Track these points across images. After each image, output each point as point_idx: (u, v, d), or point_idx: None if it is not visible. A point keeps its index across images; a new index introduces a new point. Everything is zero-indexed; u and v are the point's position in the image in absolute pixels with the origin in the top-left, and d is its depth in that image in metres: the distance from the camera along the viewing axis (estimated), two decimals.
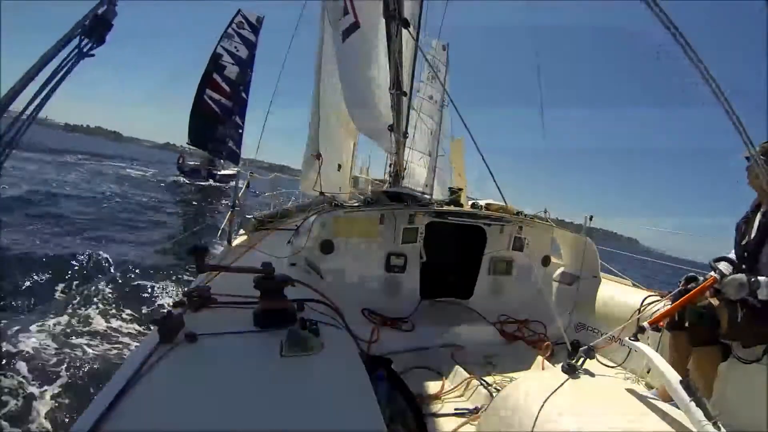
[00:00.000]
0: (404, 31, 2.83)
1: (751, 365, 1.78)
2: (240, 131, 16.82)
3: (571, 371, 1.48)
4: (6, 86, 0.72)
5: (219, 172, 25.00)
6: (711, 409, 1.19)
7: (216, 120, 15.59)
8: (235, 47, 15.72)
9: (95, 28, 0.82)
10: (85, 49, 0.83)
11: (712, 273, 1.71)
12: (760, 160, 1.68)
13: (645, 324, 1.70)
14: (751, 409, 1.74)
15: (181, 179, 24.13)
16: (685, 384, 1.26)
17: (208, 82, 15.47)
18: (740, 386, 1.83)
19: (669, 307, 1.86)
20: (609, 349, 2.45)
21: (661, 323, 2.13)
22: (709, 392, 1.70)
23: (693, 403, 1.19)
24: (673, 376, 1.32)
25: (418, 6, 3.53)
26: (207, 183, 24.11)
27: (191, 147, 18.59)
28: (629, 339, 1.66)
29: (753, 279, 1.57)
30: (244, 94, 16.25)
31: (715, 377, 1.73)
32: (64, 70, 0.80)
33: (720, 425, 1.15)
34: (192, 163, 24.39)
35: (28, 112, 0.77)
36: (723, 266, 1.77)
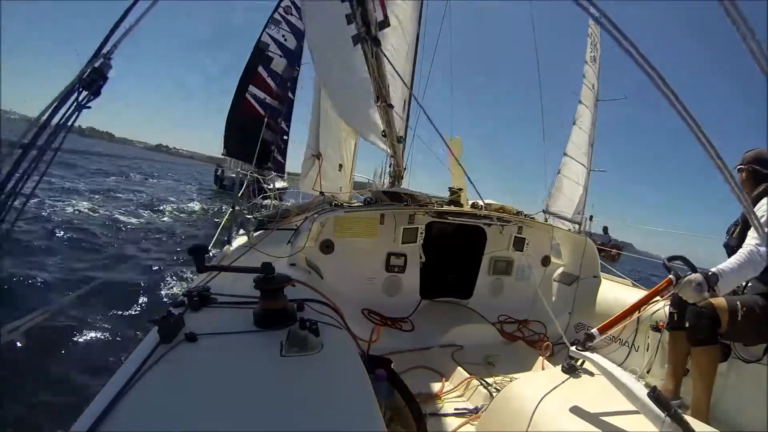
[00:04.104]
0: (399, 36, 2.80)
1: (751, 365, 1.79)
2: (285, 137, 14.06)
3: (571, 371, 1.48)
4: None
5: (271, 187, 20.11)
6: (691, 421, 1.06)
7: (261, 123, 12.27)
8: (283, 36, 12.43)
9: (93, 82, 0.84)
10: (83, 102, 0.84)
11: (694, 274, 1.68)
12: (750, 167, 1.83)
13: (594, 331, 1.58)
14: (751, 409, 1.74)
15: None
16: (655, 396, 1.12)
17: (252, 77, 12.51)
18: (740, 386, 1.83)
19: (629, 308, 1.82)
20: (609, 349, 2.46)
21: (661, 324, 2.12)
22: (708, 392, 1.70)
23: (668, 419, 1.06)
24: (638, 388, 1.22)
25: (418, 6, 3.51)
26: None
27: (230, 157, 14.96)
28: (576, 349, 1.50)
29: (711, 273, 1.54)
30: (291, 94, 13.22)
31: (715, 377, 1.74)
32: (64, 120, 0.82)
33: None
34: (233, 175, 18.48)
35: (30, 162, 0.78)
36: (726, 266, 1.75)
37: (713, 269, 1.58)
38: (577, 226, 4.97)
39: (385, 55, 1.88)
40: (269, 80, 12.63)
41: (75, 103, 0.83)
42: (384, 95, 2.31)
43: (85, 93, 0.84)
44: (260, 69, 12.50)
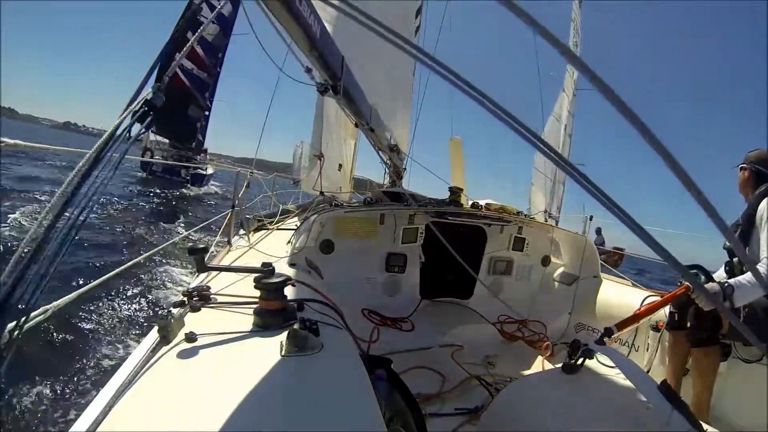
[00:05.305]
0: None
1: (751, 365, 1.79)
2: (207, 114, 13.02)
3: (571, 371, 1.48)
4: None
5: (206, 172, 16.63)
6: (697, 415, 1.10)
7: (187, 98, 11.11)
8: None
9: (146, 114, 0.82)
10: (133, 133, 0.83)
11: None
12: (753, 167, 1.82)
13: (613, 327, 1.66)
14: (751, 409, 1.75)
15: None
16: (665, 390, 1.17)
17: (180, 44, 12.25)
18: (740, 386, 1.83)
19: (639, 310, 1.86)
20: None
21: (661, 324, 2.12)
22: (708, 392, 1.70)
23: (676, 411, 1.10)
24: (650, 384, 1.25)
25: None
26: (188, 187, 16.21)
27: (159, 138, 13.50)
28: (595, 343, 1.56)
29: (726, 285, 1.56)
30: (219, 67, 12.16)
31: (715, 377, 1.74)
32: (117, 153, 0.79)
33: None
34: (160, 158, 16.42)
35: (87, 196, 0.76)
36: (744, 279, 1.72)
37: (731, 281, 1.59)
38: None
39: (352, 98, 1.85)
40: (199, 49, 11.21)
41: (127, 135, 0.81)
42: (362, 122, 2.32)
43: (137, 125, 0.82)
44: (189, 35, 11.90)
